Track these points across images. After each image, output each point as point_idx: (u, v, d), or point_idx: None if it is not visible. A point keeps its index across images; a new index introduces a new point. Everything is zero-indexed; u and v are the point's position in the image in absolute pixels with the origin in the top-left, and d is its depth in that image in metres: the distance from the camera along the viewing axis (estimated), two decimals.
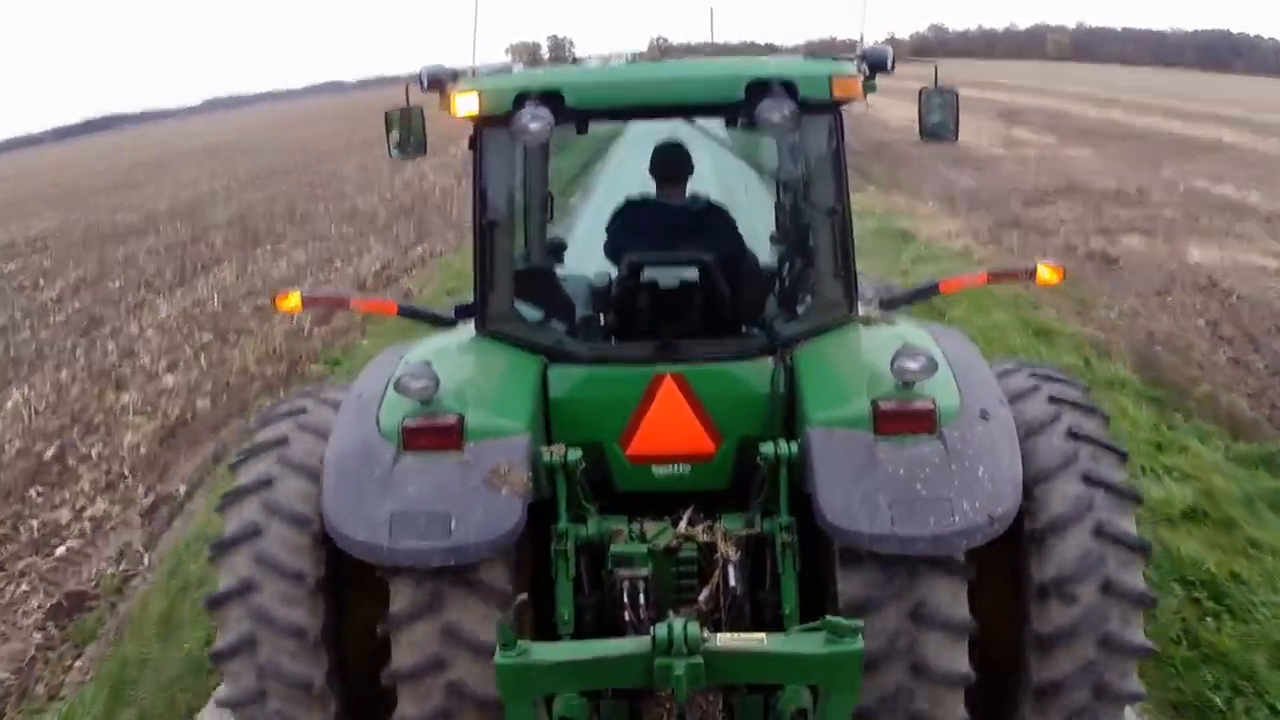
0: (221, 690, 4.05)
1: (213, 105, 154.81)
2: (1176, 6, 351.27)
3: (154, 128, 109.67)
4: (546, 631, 3.97)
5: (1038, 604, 3.90)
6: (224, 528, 4.11)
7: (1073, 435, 4.07)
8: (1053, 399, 4.24)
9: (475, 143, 4.42)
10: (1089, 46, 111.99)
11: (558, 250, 6.04)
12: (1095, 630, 3.85)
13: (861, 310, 4.66)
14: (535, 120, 3.97)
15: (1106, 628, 3.85)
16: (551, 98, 4.04)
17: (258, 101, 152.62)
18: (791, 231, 5.54)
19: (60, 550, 7.85)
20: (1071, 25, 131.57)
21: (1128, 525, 3.94)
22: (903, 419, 3.84)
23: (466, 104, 4.19)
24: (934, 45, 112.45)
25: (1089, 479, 3.96)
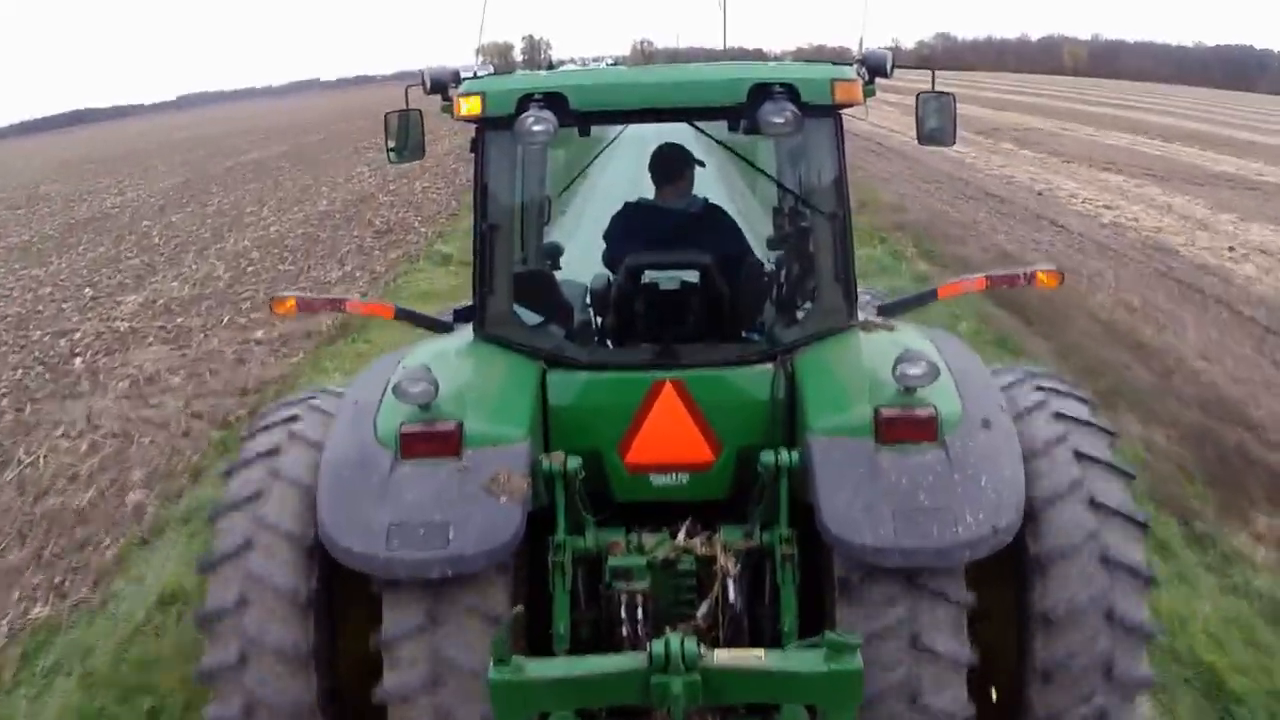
0: (210, 709, 3.94)
1: (188, 101, 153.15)
2: (1193, 20, 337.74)
3: (125, 124, 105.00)
4: (541, 647, 3.89)
5: (1040, 632, 3.83)
6: (213, 544, 4.01)
7: (1080, 457, 4.00)
8: (1059, 415, 4.17)
9: (477, 145, 4.37)
10: (1107, 60, 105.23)
11: (555, 254, 5.98)
12: (1098, 663, 3.80)
13: (860, 316, 4.61)
14: (539, 123, 3.92)
15: (1110, 660, 3.80)
16: (555, 100, 4.00)
17: (234, 98, 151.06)
18: (792, 236, 5.50)
19: None
20: (1086, 37, 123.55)
21: (1134, 554, 3.89)
22: (905, 427, 3.80)
23: (469, 106, 4.13)
24: (940, 55, 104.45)
25: (1095, 504, 3.89)
